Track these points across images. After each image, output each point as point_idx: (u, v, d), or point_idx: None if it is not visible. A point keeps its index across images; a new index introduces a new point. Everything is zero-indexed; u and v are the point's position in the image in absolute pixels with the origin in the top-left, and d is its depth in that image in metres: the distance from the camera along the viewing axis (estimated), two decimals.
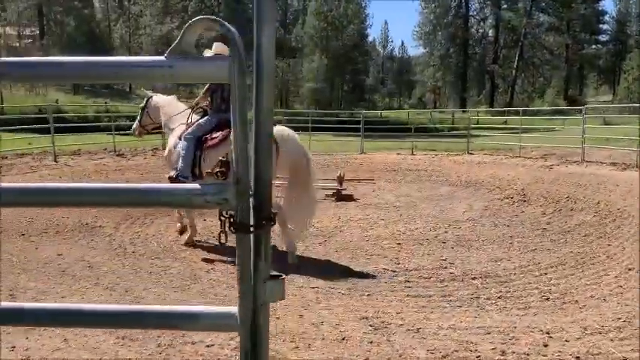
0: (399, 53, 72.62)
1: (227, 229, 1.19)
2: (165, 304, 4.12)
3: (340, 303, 4.25)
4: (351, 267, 5.25)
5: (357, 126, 18.01)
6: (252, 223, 1.11)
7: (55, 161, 12.62)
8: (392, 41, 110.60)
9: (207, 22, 1.04)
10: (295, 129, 19.18)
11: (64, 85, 42.31)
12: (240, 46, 1.04)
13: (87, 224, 6.82)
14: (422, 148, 17.57)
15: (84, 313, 1.24)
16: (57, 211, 7.42)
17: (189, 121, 5.81)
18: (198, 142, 5.55)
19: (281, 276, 1.19)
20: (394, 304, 4.25)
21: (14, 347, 3.29)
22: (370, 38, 62.74)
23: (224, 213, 1.16)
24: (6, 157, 12.82)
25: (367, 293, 4.49)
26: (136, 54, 47.06)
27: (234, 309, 1.16)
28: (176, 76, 1.06)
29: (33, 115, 17.97)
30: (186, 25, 1.04)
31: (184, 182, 5.52)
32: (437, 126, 30.76)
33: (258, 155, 1.10)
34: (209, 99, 5.86)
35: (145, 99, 6.74)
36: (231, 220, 1.10)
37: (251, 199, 1.11)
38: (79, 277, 4.71)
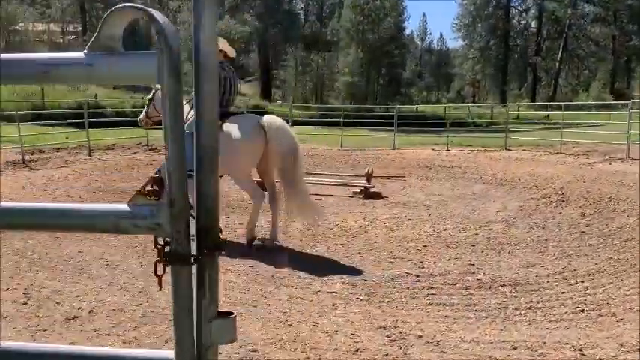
0: (438, 46, 71.38)
1: (162, 259, 1.01)
2: None
3: (358, 310, 4.05)
4: (372, 270, 5.03)
5: (392, 121, 17.66)
6: (194, 251, 0.93)
7: (90, 155, 12.85)
8: (430, 34, 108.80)
9: (132, 11, 0.87)
10: (328, 124, 18.97)
11: None
12: (173, 39, 0.86)
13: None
14: (457, 144, 17.09)
15: None
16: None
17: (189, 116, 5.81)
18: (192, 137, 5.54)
19: (231, 313, 1.01)
20: (414, 313, 4.02)
21: None
22: (408, 31, 61.90)
23: (159, 240, 0.98)
24: (43, 151, 13.14)
25: (387, 300, 4.27)
26: None
27: (170, 354, 0.98)
28: (97, 75, 0.90)
29: (72, 110, 18.37)
30: (106, 14, 0.87)
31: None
32: (475, 121, 29.98)
33: (200, 171, 0.92)
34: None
35: (153, 90, 6.78)
36: (166, 249, 0.93)
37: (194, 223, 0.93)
38: (96, 276, 4.67)
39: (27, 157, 11.95)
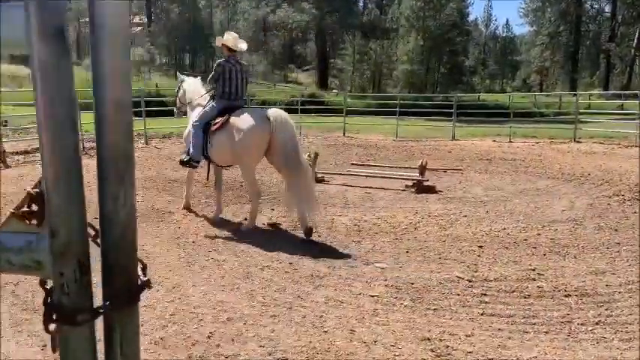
0: (503, 32, 68.36)
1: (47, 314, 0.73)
2: (209, 305, 3.87)
3: (400, 317, 3.71)
4: (420, 272, 4.66)
5: (451, 110, 16.93)
6: (97, 303, 0.65)
7: (146, 144, 13.10)
8: (495, 20, 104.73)
9: None
10: (384, 114, 18.49)
11: (168, 70, 44.66)
12: None
13: (158, 209, 6.80)
14: (522, 135, 16.18)
15: None
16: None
17: (207, 107, 6.13)
18: (205, 128, 5.87)
19: None
20: (464, 324, 3.63)
21: None
22: (471, 17, 59.59)
23: (46, 283, 0.71)
24: None
25: (434, 307, 3.90)
26: None
27: None
28: None
29: (133, 99, 18.83)
30: None
31: (195, 166, 6.18)
32: (541, 111, 28.40)
33: (105, 182, 0.64)
34: (214, 85, 6.08)
35: (179, 81, 7.04)
36: (47, 300, 0.65)
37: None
38: None
39: (87, 145, 12.32)
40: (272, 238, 5.62)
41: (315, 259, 4.92)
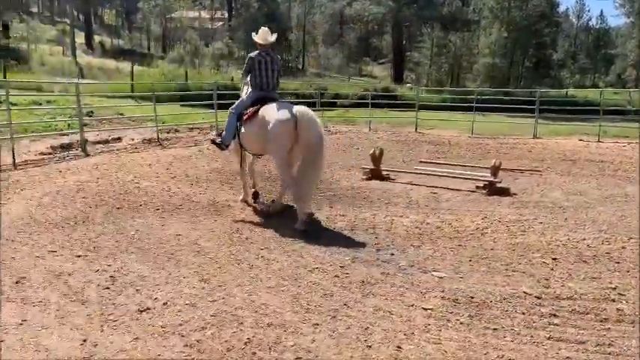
0: (597, 24, 63.74)
1: None
2: (251, 308, 3.73)
3: (455, 336, 3.37)
4: (482, 285, 4.26)
5: (533, 107, 15.88)
6: None
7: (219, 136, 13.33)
8: (589, 10, 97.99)
9: None
10: (460, 109, 17.68)
11: (239, 63, 45.73)
12: None
13: (218, 203, 6.81)
14: (612, 135, 14.87)
15: None
16: (196, 187, 7.60)
17: (244, 96, 6.60)
18: (239, 116, 6.34)
19: None
20: (527, 349, 3.23)
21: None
22: (562, 8, 55.98)
23: None
24: (178, 130, 13.95)
25: (494, 326, 3.52)
26: (309, 33, 48.72)
27: None
28: None
29: (209, 92, 19.35)
30: None
31: (223, 148, 6.69)
32: (637, 109, 26.08)
33: None
34: (249, 77, 6.47)
35: (243, 78, 7.14)
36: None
37: None
38: (183, 263, 4.55)
39: (162, 136, 12.74)
40: (327, 238, 5.41)
41: (368, 264, 4.66)
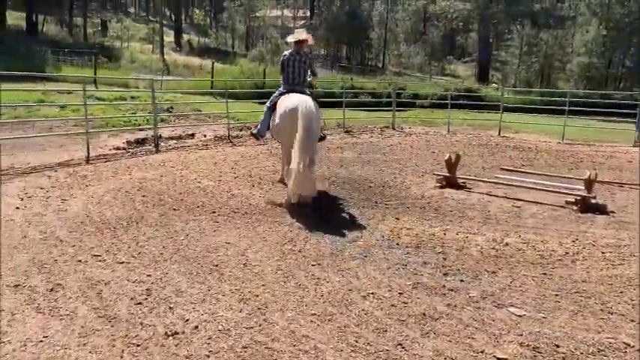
0: None
1: None
2: (289, 341, 3.26)
3: None
4: (571, 329, 3.51)
5: (635, 111, 14.23)
6: None
7: None
8: None
9: None
10: (550, 111, 16.21)
11: (325, 63, 45.60)
12: None
13: (277, 206, 6.43)
14: None
15: None
16: (257, 189, 7.29)
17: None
18: (272, 109, 7.04)
19: None
20: None
21: None
22: None
23: None
24: (250, 128, 13.83)
25: None
26: (390, 30, 47.71)
27: None
28: None
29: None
30: None
31: (259, 138, 7.68)
32: None
33: None
34: (283, 73, 7.23)
35: None
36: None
37: None
38: (226, 277, 4.17)
39: (234, 133, 12.67)
40: (389, 256, 4.84)
41: (432, 291, 4.04)
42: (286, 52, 7.23)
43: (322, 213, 6.20)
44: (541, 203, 7.12)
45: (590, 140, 13.87)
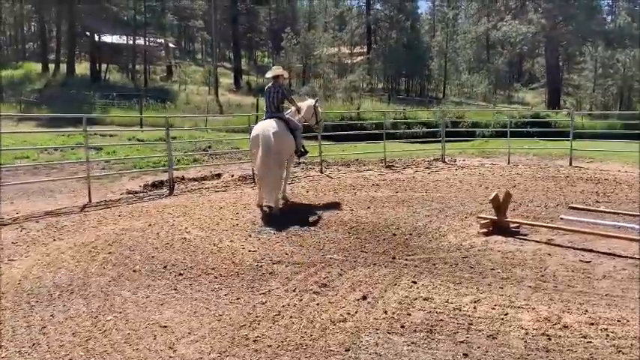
0: None
1: None
2: None
3: None
4: None
5: None
6: None
7: (321, 172, 11.78)
8: None
9: None
10: (630, 137, 13.81)
11: (383, 95, 44.44)
12: None
13: (263, 266, 5.09)
14: None
15: None
16: (251, 241, 5.99)
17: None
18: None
19: None
20: None
21: None
22: None
23: None
24: None
25: None
26: (451, 60, 45.91)
27: None
28: None
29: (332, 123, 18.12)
30: None
31: None
32: None
33: None
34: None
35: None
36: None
37: None
38: None
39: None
40: (382, 350, 3.34)
41: None
42: (267, 86, 8.19)
43: (316, 278, 4.77)
44: (620, 256, 5.32)
45: None
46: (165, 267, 5.05)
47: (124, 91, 31.64)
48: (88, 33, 39.32)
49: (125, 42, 40.96)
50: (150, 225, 6.78)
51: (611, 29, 42.73)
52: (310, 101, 9.14)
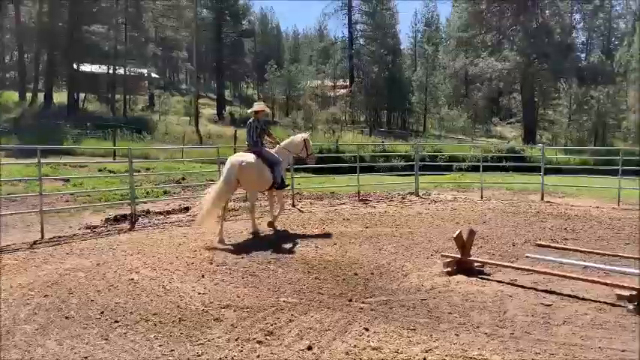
0: None
1: None
2: None
3: None
4: None
5: None
6: None
7: (293, 205, 11.52)
8: None
9: None
10: (604, 172, 13.84)
11: (364, 128, 44.70)
12: None
13: (210, 311, 4.79)
14: None
15: None
16: (204, 282, 5.68)
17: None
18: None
19: None
20: None
21: None
22: None
23: None
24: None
25: None
26: (431, 94, 46.60)
27: None
28: None
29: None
30: None
31: None
32: None
33: None
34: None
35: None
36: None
37: None
38: None
39: (234, 206, 11.28)
40: None
41: None
42: (249, 120, 8.64)
43: (263, 324, 4.47)
44: (582, 299, 5.13)
45: None
46: (102, 312, 4.72)
47: (101, 121, 31.26)
48: (67, 63, 39.14)
49: (106, 72, 40.82)
50: (98, 264, 6.43)
51: (585, 66, 43.90)
52: (301, 135, 9.50)
